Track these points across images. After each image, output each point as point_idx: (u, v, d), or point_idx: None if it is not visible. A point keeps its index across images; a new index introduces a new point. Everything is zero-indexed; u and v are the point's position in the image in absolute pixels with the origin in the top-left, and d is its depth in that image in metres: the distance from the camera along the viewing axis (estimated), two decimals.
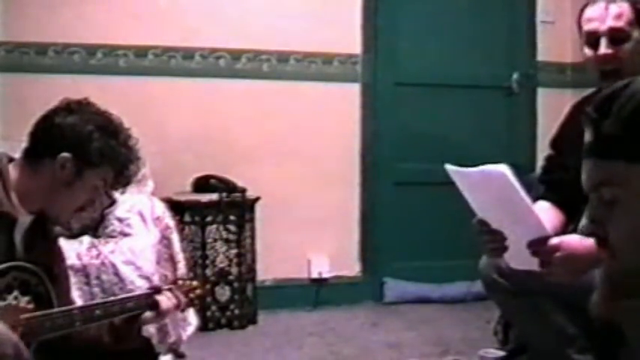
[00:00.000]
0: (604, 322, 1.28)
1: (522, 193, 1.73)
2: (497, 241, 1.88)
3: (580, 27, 2.19)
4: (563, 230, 2.09)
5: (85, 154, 1.78)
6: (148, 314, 1.93)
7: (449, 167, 1.81)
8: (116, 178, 1.86)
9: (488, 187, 1.78)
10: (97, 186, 1.85)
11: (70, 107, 1.83)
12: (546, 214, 2.10)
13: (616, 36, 2.10)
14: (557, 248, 1.79)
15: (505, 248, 1.88)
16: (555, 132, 2.37)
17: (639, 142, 1.05)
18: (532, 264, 1.83)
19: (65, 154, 1.77)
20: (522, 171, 2.12)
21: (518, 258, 1.87)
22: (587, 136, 1.10)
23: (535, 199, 2.20)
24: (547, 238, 1.80)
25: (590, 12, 2.16)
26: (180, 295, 2.01)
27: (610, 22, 2.10)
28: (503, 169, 1.71)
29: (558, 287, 2.03)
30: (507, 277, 2.18)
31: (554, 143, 2.34)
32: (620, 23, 2.09)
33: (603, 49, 2.11)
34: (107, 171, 1.83)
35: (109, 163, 1.83)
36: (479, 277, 2.35)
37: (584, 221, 1.15)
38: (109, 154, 1.81)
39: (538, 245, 1.80)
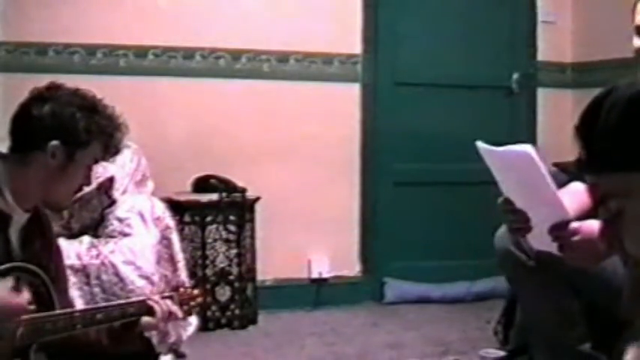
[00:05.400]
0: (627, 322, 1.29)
1: (546, 174, 1.74)
2: (520, 221, 1.88)
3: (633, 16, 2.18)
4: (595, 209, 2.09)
5: (73, 136, 1.79)
6: (145, 319, 1.92)
7: (479, 144, 1.83)
8: (105, 149, 1.87)
9: (514, 166, 1.79)
10: (90, 164, 1.86)
11: (42, 96, 1.82)
12: (578, 194, 2.08)
13: None
14: (576, 232, 1.79)
15: (528, 229, 1.88)
16: None
17: (630, 150, 1.04)
18: (553, 246, 1.84)
19: (54, 142, 1.76)
20: None
21: (540, 239, 1.88)
22: (581, 153, 1.10)
23: (567, 180, 2.20)
24: (568, 222, 1.80)
25: None
26: (174, 306, 1.99)
27: None
28: (529, 149, 1.72)
29: (574, 273, 2.06)
30: (525, 251, 2.19)
31: None
32: None
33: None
34: (96, 147, 1.84)
35: (97, 139, 1.83)
36: (494, 248, 2.33)
37: (600, 239, 1.14)
38: (95, 130, 1.81)
39: (558, 229, 1.80)
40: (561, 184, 2.12)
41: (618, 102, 1.05)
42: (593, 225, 1.78)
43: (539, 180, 1.75)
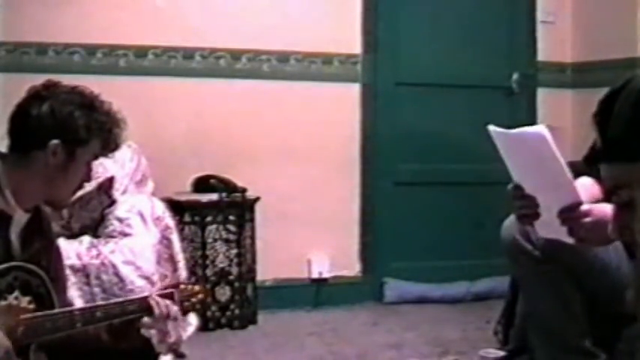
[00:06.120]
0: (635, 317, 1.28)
1: (559, 156, 1.72)
2: (529, 207, 1.87)
3: None
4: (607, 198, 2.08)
5: (73, 135, 1.79)
6: (145, 318, 1.92)
7: (491, 127, 1.82)
8: (105, 146, 1.87)
9: (527, 149, 1.78)
10: (90, 160, 1.86)
11: (40, 95, 1.82)
12: (588, 187, 2.07)
13: None
14: (587, 214, 1.78)
15: (536, 215, 1.87)
16: None
17: None
18: (561, 234, 1.83)
19: (54, 141, 1.76)
20: None
21: (549, 227, 1.87)
22: (597, 142, 1.09)
23: (577, 175, 2.19)
24: (579, 204, 1.79)
25: None
26: (172, 305, 1.98)
27: None
28: (543, 130, 1.71)
29: (577, 267, 2.06)
30: (532, 241, 2.18)
31: None
32: None
33: None
34: (96, 143, 1.84)
35: (97, 136, 1.83)
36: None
37: (611, 226, 1.14)
38: (94, 127, 1.82)
39: (569, 212, 1.79)
40: None
41: (632, 92, 1.05)
42: (605, 207, 1.76)
43: (552, 162, 1.73)
